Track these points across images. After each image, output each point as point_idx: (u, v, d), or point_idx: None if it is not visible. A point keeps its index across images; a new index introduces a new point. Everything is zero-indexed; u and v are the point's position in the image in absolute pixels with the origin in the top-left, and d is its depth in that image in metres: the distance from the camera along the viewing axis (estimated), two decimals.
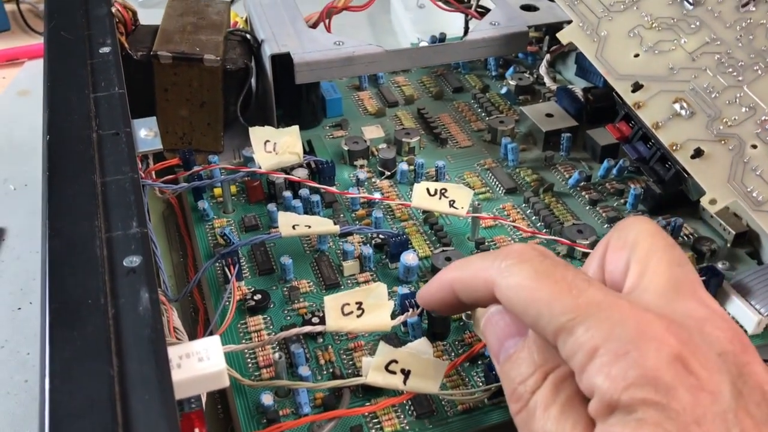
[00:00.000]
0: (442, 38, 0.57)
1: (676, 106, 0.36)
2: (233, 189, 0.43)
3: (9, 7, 0.76)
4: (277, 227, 0.38)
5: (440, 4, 0.55)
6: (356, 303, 0.31)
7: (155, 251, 0.36)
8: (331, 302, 0.31)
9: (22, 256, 0.48)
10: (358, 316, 0.31)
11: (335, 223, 0.38)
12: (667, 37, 0.38)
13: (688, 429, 0.20)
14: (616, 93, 0.38)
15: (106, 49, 0.41)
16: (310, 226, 0.37)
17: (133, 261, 0.28)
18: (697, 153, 0.35)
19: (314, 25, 0.51)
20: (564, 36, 0.41)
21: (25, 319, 0.44)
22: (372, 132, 0.48)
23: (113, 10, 0.45)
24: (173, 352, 0.26)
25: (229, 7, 0.48)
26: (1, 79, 0.67)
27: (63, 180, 0.32)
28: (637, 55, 0.39)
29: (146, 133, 0.36)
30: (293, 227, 0.37)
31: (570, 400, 0.23)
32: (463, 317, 0.35)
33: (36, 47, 0.70)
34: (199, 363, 0.26)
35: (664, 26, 0.39)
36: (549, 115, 0.48)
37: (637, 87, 0.37)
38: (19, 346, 0.42)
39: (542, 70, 0.52)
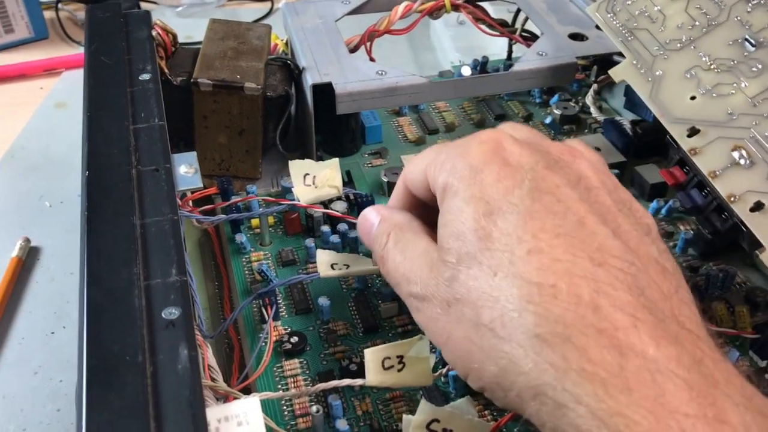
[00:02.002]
0: (485, 62, 0.55)
1: (735, 155, 0.35)
2: (271, 220, 0.42)
3: (48, 14, 0.76)
4: (315, 263, 0.37)
5: (483, 27, 0.53)
6: (397, 357, 0.30)
7: (191, 284, 0.36)
8: (372, 356, 0.30)
9: (56, 278, 0.48)
10: (399, 371, 0.30)
11: (374, 263, 0.37)
12: (726, 79, 0.37)
13: (489, 187, 0.25)
14: (671, 137, 0.37)
15: (146, 76, 0.41)
16: (348, 265, 0.36)
17: (172, 313, 0.27)
18: (757, 206, 0.33)
19: (355, 48, 0.50)
20: (617, 74, 0.39)
21: (58, 344, 0.43)
22: None
23: (153, 33, 0.44)
24: (212, 414, 0.25)
25: (270, 31, 0.48)
26: (39, 90, 0.67)
27: (102, 221, 0.31)
28: (693, 98, 0.37)
29: (186, 170, 0.35)
30: (332, 266, 0.36)
31: (406, 239, 0.29)
32: None
33: (74, 57, 0.70)
34: (237, 428, 0.25)
35: (723, 68, 0.37)
36: (596, 149, 0.46)
37: (693, 132, 0.36)
38: (53, 372, 0.42)
39: (589, 99, 0.50)
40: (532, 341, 0.22)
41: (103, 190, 0.33)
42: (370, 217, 0.32)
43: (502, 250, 0.24)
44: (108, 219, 0.31)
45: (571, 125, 0.50)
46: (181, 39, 0.47)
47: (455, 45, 0.69)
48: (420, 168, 0.29)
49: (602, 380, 0.21)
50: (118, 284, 0.28)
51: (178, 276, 0.29)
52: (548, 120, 0.50)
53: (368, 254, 0.39)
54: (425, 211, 0.31)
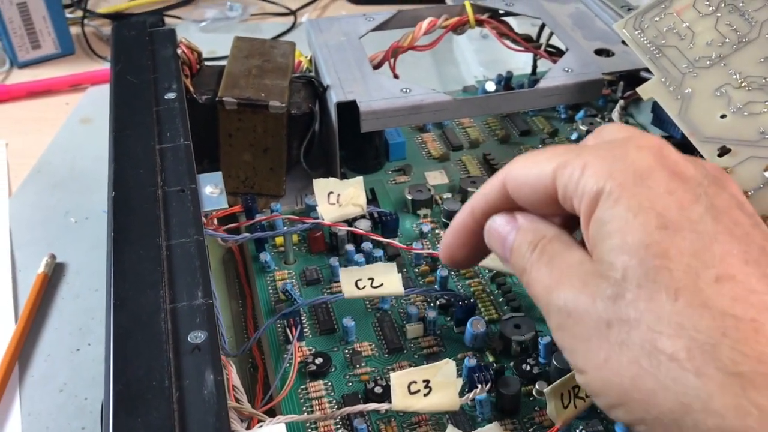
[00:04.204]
0: (509, 77, 0.55)
1: None
2: (295, 238, 0.42)
3: (74, 30, 0.77)
4: (339, 281, 0.37)
5: (507, 42, 0.53)
6: (423, 381, 0.30)
7: (215, 303, 0.35)
8: (398, 380, 0.30)
9: (81, 294, 0.48)
10: (425, 395, 0.30)
11: None
12: (758, 98, 0.36)
13: (661, 198, 0.22)
14: (701, 156, 0.36)
15: (171, 95, 0.41)
16: (372, 279, 0.36)
17: (197, 337, 0.27)
18: None
19: (379, 65, 0.50)
20: (645, 92, 0.39)
21: (83, 362, 0.43)
22: (436, 178, 0.47)
23: (179, 51, 0.45)
24: None
25: (294, 49, 0.48)
26: (65, 105, 0.68)
27: (128, 243, 0.31)
28: (724, 116, 0.36)
29: (212, 190, 0.35)
30: (356, 284, 0.36)
31: (554, 250, 0.26)
32: (534, 393, 0.33)
33: (99, 73, 0.70)
34: None
35: (754, 86, 0.36)
36: None
37: (724, 151, 0.35)
38: (78, 389, 0.42)
39: (615, 115, 0.50)
40: (732, 379, 0.20)
41: (129, 210, 0.33)
42: (504, 225, 0.28)
43: (684, 272, 0.21)
44: (134, 240, 0.31)
45: None
46: (204, 54, 0.47)
47: (478, 59, 0.69)
48: (543, 170, 0.26)
49: None
50: (145, 307, 0.28)
51: (204, 299, 0.29)
52: (574, 136, 0.50)
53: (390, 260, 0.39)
54: None
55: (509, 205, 0.28)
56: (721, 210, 0.23)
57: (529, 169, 0.27)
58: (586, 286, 0.23)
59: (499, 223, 0.28)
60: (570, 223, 0.28)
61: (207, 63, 0.47)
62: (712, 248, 0.22)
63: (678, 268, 0.21)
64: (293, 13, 0.83)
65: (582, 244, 0.25)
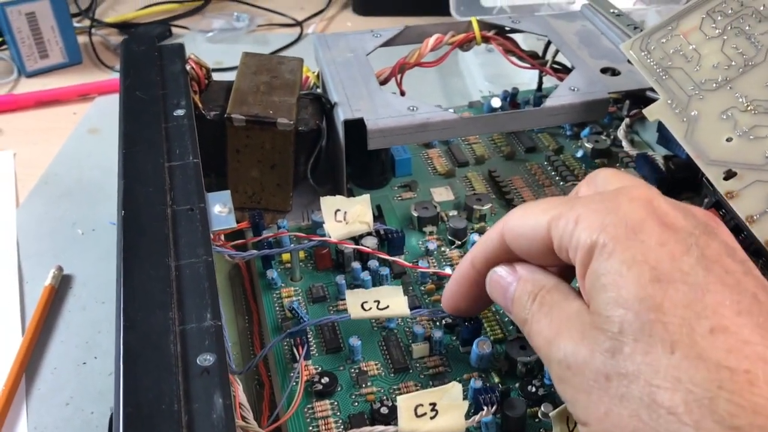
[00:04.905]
0: (515, 93, 0.55)
1: None
2: (301, 254, 0.42)
3: (81, 39, 0.78)
4: (345, 299, 0.37)
5: (513, 59, 0.53)
6: (430, 404, 0.30)
7: (221, 323, 0.36)
8: (405, 403, 0.30)
9: (88, 306, 0.48)
10: (432, 418, 0.30)
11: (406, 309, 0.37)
12: (764, 121, 0.36)
13: (653, 251, 0.23)
14: (707, 179, 0.36)
15: (180, 112, 0.41)
16: (379, 301, 0.36)
17: (206, 359, 0.27)
18: None
19: (385, 81, 0.50)
20: (651, 113, 0.39)
21: (89, 375, 0.44)
22: (441, 194, 0.47)
23: (188, 68, 0.45)
24: None
25: (302, 65, 0.48)
26: (72, 115, 0.68)
27: (138, 263, 0.31)
28: (730, 140, 0.37)
29: (220, 209, 0.36)
30: (362, 306, 0.36)
31: (553, 301, 0.27)
32: (539, 415, 0.33)
33: (107, 83, 0.71)
34: None
35: (761, 110, 0.37)
36: None
37: (730, 175, 0.35)
38: (84, 403, 0.42)
39: (620, 133, 0.50)
40: None
41: (139, 229, 0.33)
42: (505, 276, 0.29)
43: (679, 324, 0.22)
44: (143, 260, 0.31)
45: (602, 159, 0.50)
46: (211, 64, 0.47)
47: (484, 73, 0.69)
48: (539, 222, 0.27)
49: None
50: (154, 328, 0.28)
51: (213, 321, 0.29)
52: (579, 153, 0.50)
53: (396, 284, 0.39)
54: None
55: (508, 256, 0.29)
56: (712, 259, 0.23)
57: (525, 221, 0.28)
58: (585, 338, 0.24)
59: (500, 274, 0.29)
60: (568, 273, 0.28)
61: (214, 73, 0.47)
62: (705, 299, 0.22)
63: (672, 321, 0.22)
64: (300, 24, 0.83)
65: (579, 293, 0.26)
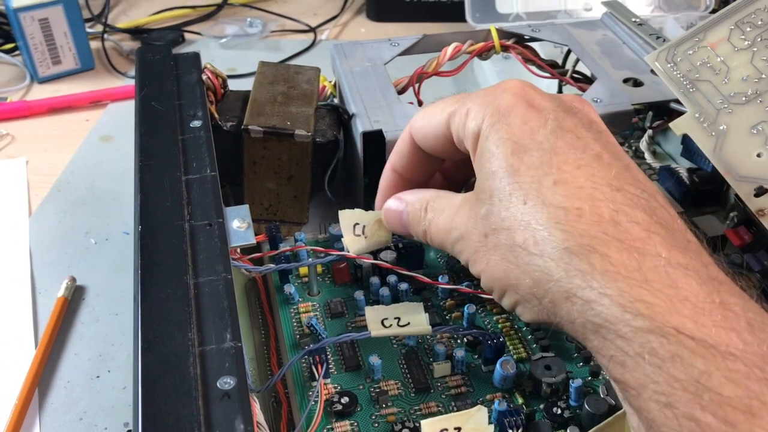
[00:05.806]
0: None
1: None
2: (319, 268, 0.42)
3: (94, 45, 0.77)
4: (363, 315, 0.36)
5: (533, 68, 0.52)
6: (455, 429, 0.29)
7: (241, 344, 0.35)
8: (430, 427, 0.29)
9: (101, 318, 0.48)
10: None
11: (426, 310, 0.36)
12: None
13: (517, 129, 0.28)
14: (737, 196, 0.35)
15: (197, 123, 0.40)
16: (399, 318, 0.36)
17: (227, 383, 0.27)
18: None
19: (403, 90, 0.49)
20: (678, 127, 0.38)
21: (103, 389, 0.43)
22: None
23: (204, 77, 0.44)
24: None
25: (319, 74, 0.47)
26: (85, 122, 0.68)
27: (155, 281, 0.31)
28: (760, 155, 0.36)
29: (239, 225, 0.35)
30: (382, 323, 0.35)
31: (439, 204, 0.32)
32: None
33: (119, 90, 0.70)
34: None
35: None
36: None
37: (761, 191, 0.35)
38: (97, 419, 0.41)
39: (643, 145, 0.49)
40: (562, 254, 0.25)
41: (157, 245, 0.32)
42: (395, 206, 0.34)
43: (530, 182, 0.27)
44: (162, 278, 0.31)
45: None
46: (224, 71, 0.47)
47: (499, 79, 0.68)
48: (439, 120, 0.31)
49: (623, 276, 0.24)
50: (173, 350, 0.28)
51: (233, 342, 0.28)
52: None
53: (416, 300, 0.38)
54: (426, 167, 0.35)
55: (420, 155, 0.34)
56: (566, 129, 0.28)
57: (428, 120, 0.32)
58: (470, 213, 0.29)
59: (390, 206, 0.35)
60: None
61: (229, 80, 0.47)
62: (552, 160, 0.27)
63: (525, 180, 0.27)
64: (313, 30, 0.82)
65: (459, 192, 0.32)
